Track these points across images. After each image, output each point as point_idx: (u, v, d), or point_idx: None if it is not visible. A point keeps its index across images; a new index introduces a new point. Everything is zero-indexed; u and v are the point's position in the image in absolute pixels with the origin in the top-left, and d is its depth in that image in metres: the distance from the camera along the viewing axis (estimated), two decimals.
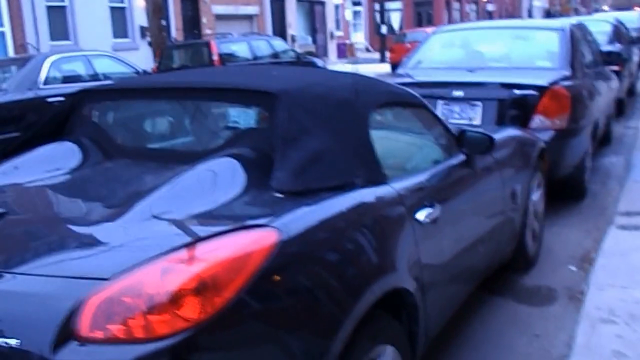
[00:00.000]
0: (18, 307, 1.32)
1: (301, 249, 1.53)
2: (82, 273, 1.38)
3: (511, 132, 3.48)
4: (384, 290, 1.74)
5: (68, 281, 1.36)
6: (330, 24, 28.59)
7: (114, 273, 1.32)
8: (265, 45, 13.35)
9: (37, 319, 1.29)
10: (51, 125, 2.33)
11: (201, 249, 1.37)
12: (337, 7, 34.26)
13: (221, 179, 1.75)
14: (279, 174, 1.75)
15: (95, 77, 9.10)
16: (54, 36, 14.14)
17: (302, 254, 1.52)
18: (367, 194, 1.88)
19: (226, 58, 11.95)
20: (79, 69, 9.40)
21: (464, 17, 40.16)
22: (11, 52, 13.40)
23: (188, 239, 1.41)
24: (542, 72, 4.62)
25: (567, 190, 4.75)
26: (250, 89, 2.07)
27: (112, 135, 2.26)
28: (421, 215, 2.06)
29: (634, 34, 12.83)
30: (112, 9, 15.10)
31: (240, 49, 12.71)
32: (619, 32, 8.85)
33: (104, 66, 9.92)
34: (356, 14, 35.79)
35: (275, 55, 13.24)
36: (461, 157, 2.59)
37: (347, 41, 30.80)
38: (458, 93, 4.49)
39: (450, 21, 37.81)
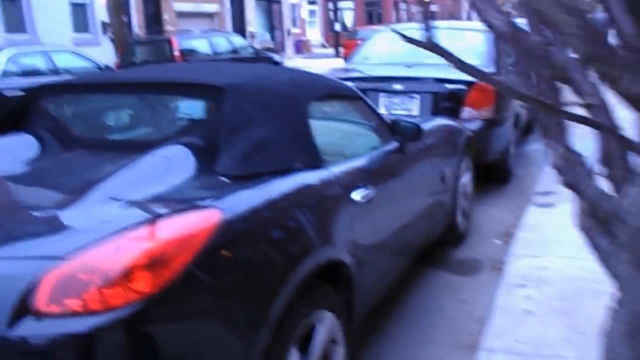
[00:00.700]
0: None
1: (244, 226, 1.59)
2: (38, 253, 1.40)
3: (441, 122, 3.63)
4: (321, 262, 1.82)
5: (25, 262, 1.37)
6: (287, 22, 28.44)
7: (68, 252, 1.34)
8: (225, 41, 13.21)
9: None
10: (8, 118, 2.28)
11: (151, 228, 1.41)
12: (293, 6, 34.01)
13: (173, 164, 1.79)
14: (224, 160, 1.81)
15: (55, 71, 8.84)
16: (9, 28, 13.25)
17: (245, 231, 1.59)
18: (305, 177, 1.96)
19: (187, 54, 11.78)
20: (39, 63, 9.10)
21: (410, 17, 40.61)
22: None
23: (139, 220, 1.45)
24: None
25: (494, 174, 4.98)
26: (200, 84, 2.12)
27: (71, 128, 2.25)
28: (356, 195, 2.16)
29: None
30: (74, 4, 14.55)
31: (201, 45, 12.54)
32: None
33: (64, 61, 9.63)
34: (312, 12, 35.68)
35: (235, 51, 13.13)
36: (394, 144, 2.70)
37: (304, 38, 30.71)
38: (398, 86, 4.64)
39: (398, 20, 38.19)
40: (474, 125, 4.46)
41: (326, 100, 2.55)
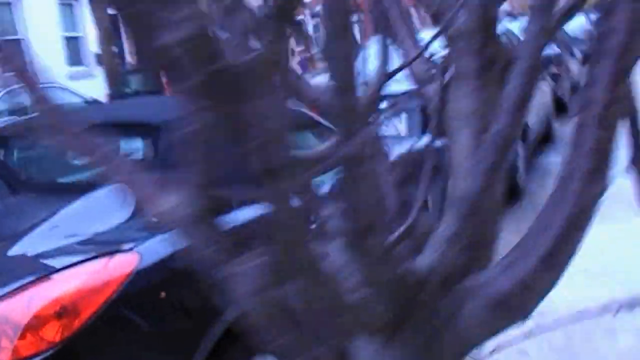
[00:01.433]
0: None
1: (161, 272, 1.57)
2: None
3: (420, 144, 3.13)
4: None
5: None
6: (290, 41, 28.36)
7: None
8: None
9: None
10: None
11: (63, 275, 1.45)
12: (297, 22, 33.93)
13: (104, 206, 1.75)
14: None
15: None
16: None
17: (165, 276, 1.58)
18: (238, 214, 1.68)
19: None
20: (27, 100, 8.91)
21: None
22: None
23: (54, 268, 1.48)
24: None
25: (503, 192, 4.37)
26: (135, 123, 2.16)
27: (18, 171, 2.32)
28: None
29: (580, 37, 12.85)
30: (67, 38, 14.43)
31: None
32: (557, 37, 8.78)
33: (53, 97, 9.46)
34: (316, 27, 35.54)
35: None
36: None
37: (308, 53, 30.58)
38: (381, 105, 4.08)
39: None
40: None
41: None
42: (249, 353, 1.69)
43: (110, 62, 12.26)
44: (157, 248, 1.58)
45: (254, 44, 0.68)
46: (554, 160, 5.71)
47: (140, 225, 1.70)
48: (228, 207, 1.09)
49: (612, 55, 0.76)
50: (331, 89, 0.73)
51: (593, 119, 0.76)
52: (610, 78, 0.76)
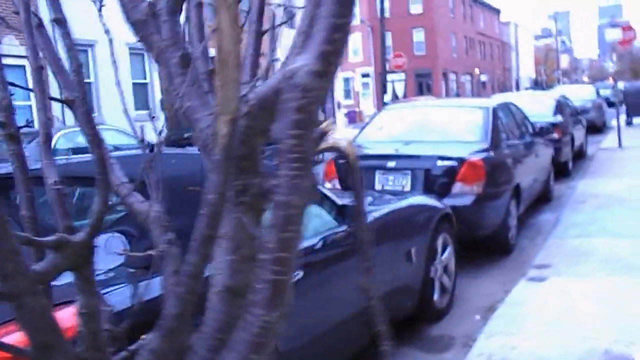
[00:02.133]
0: None
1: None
2: None
3: (412, 200, 3.71)
4: None
5: None
6: (338, 95, 29.54)
7: None
8: None
9: None
10: None
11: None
12: (346, 79, 35.31)
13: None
14: (131, 250, 1.90)
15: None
16: None
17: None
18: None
19: None
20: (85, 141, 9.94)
21: (459, 87, 41.02)
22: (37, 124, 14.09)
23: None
24: (466, 144, 4.93)
25: (493, 247, 4.94)
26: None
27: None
28: None
29: (588, 105, 13.84)
30: (135, 84, 15.97)
31: None
32: (561, 106, 9.53)
33: (111, 138, 10.53)
34: (365, 84, 36.92)
35: None
36: (344, 227, 2.75)
37: (357, 109, 31.72)
38: (392, 164, 4.81)
39: (447, 90, 38.64)
40: (466, 201, 4.52)
41: None
42: None
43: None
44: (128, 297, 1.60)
45: None
46: (549, 218, 6.20)
47: (118, 274, 1.77)
48: None
49: None
50: None
51: None
52: None
